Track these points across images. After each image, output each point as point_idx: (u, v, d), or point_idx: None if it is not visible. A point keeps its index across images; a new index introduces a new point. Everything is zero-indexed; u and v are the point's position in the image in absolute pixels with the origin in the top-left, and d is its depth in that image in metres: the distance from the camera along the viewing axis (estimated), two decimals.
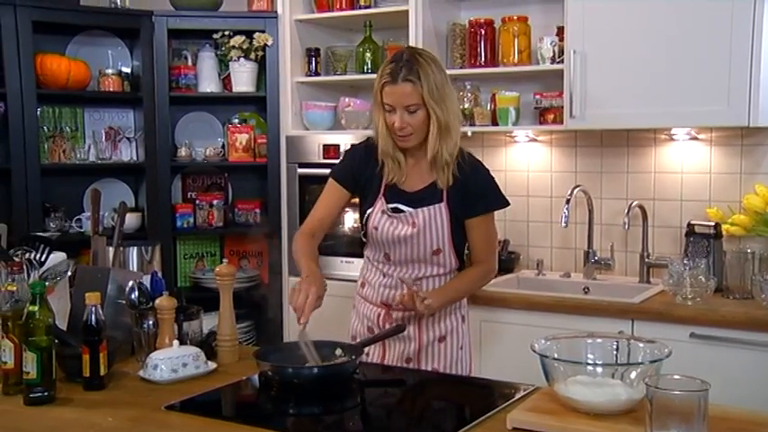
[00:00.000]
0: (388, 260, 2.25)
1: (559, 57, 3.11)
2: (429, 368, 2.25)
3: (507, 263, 3.40)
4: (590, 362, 1.64)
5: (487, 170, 2.27)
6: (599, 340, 1.73)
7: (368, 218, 2.24)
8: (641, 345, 1.65)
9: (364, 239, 2.29)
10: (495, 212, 2.30)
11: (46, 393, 1.77)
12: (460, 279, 2.27)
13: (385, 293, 2.27)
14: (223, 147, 3.77)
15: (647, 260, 3.13)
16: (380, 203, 2.22)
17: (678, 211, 3.16)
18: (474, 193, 2.20)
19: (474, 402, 1.90)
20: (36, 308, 1.76)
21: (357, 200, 2.33)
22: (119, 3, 3.60)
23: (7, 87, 3.29)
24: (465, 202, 2.20)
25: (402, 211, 2.20)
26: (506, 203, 2.29)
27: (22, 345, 1.77)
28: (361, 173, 2.27)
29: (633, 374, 1.54)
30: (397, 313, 2.23)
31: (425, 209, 2.18)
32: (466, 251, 2.31)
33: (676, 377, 1.44)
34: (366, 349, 2.19)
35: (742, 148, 3.04)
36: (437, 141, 2.13)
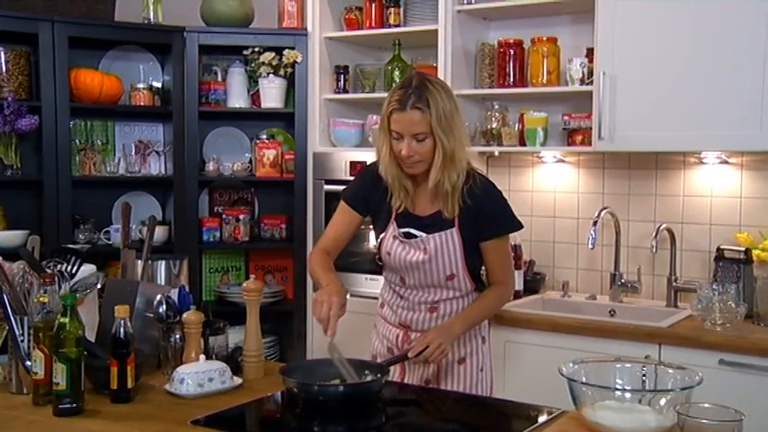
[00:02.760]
0: (404, 284, 2.25)
1: (589, 78, 3.10)
2: (447, 389, 2.23)
3: (532, 284, 3.38)
4: (620, 387, 1.62)
5: (500, 192, 2.24)
6: (628, 365, 1.71)
7: (381, 243, 2.24)
8: (671, 371, 1.63)
9: (380, 263, 2.30)
10: (518, 233, 2.29)
11: (74, 405, 1.78)
12: (480, 303, 2.25)
13: (403, 315, 2.27)
14: (250, 162, 3.80)
15: (674, 284, 3.10)
16: (392, 228, 2.22)
17: (707, 235, 3.12)
18: (486, 216, 2.18)
19: (500, 425, 1.89)
20: (67, 320, 1.78)
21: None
22: (152, 19, 3.65)
23: (42, 101, 3.34)
24: (477, 226, 2.18)
25: (414, 236, 2.19)
26: (519, 226, 2.26)
27: (53, 356, 1.79)
28: (371, 196, 2.27)
29: (663, 401, 1.53)
30: (416, 335, 2.22)
31: (437, 235, 2.17)
32: (482, 271, 2.29)
33: (707, 405, 1.43)
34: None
35: None
36: (441, 171, 2.11)
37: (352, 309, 3.20)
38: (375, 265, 3.34)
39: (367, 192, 2.28)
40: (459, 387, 2.25)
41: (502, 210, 2.23)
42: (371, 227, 2.43)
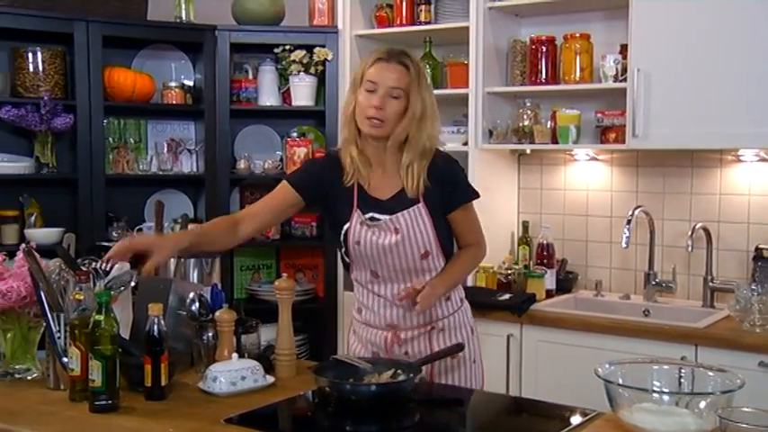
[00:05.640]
0: (377, 277, 2.16)
1: (622, 75, 3.06)
2: (443, 383, 2.19)
3: (565, 283, 3.35)
4: (658, 389, 1.60)
5: (457, 161, 2.22)
6: (665, 366, 1.69)
7: (346, 234, 2.14)
8: (711, 373, 1.60)
9: (347, 259, 2.18)
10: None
11: (110, 402, 1.80)
12: (456, 263, 2.20)
13: (387, 315, 2.18)
14: (281, 160, 3.81)
15: (711, 284, 3.04)
16: (356, 216, 2.13)
17: (745, 234, 3.06)
18: (450, 186, 2.15)
19: (533, 426, 1.87)
20: (102, 317, 1.80)
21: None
22: (183, 17, 3.68)
23: (77, 100, 3.38)
24: (442, 196, 2.14)
25: (379, 219, 2.12)
26: (478, 195, 2.23)
27: (88, 353, 1.81)
28: (327, 188, 2.17)
29: (702, 404, 1.50)
30: (406, 333, 2.17)
31: (405, 212, 2.11)
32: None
33: (747, 410, 1.40)
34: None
35: None
36: (407, 129, 2.07)
37: None
38: None
39: (319, 181, 2.18)
40: (454, 380, 2.20)
41: (463, 179, 2.22)
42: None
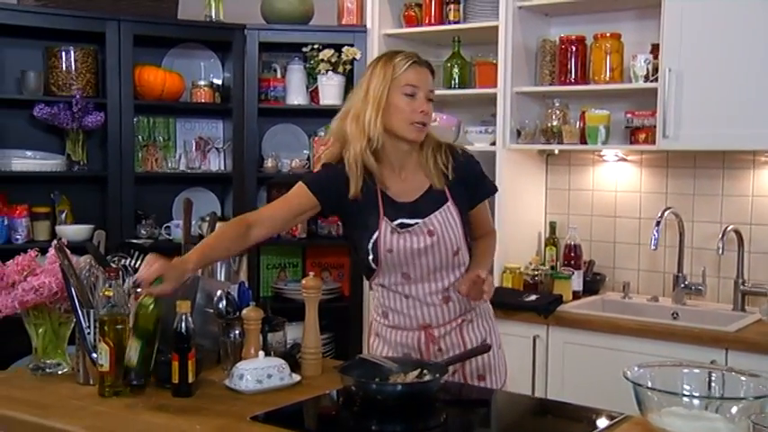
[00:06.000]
0: (408, 279, 2.14)
1: (653, 75, 3.02)
2: (474, 372, 2.19)
3: (592, 284, 3.33)
4: (689, 393, 1.58)
5: (473, 156, 2.24)
6: (696, 370, 1.66)
7: (375, 244, 2.09)
8: (743, 378, 1.58)
9: (374, 266, 2.13)
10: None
11: (142, 381, 1.86)
12: (485, 250, 2.24)
13: (420, 315, 2.16)
14: (309, 159, 3.82)
15: (742, 287, 3.00)
16: (384, 224, 2.10)
17: None
18: (474, 179, 2.19)
19: (560, 428, 1.86)
20: (151, 300, 1.86)
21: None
22: (213, 16, 3.70)
23: (108, 98, 3.42)
24: (468, 191, 2.17)
25: (408, 225, 2.11)
26: (497, 188, 2.33)
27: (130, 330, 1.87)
28: (346, 196, 2.11)
29: (734, 409, 1.47)
30: (439, 330, 2.16)
31: (437, 213, 2.11)
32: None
33: None
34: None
35: None
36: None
37: None
38: None
39: (336, 184, 2.11)
40: (484, 369, 2.19)
41: (483, 173, 2.25)
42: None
